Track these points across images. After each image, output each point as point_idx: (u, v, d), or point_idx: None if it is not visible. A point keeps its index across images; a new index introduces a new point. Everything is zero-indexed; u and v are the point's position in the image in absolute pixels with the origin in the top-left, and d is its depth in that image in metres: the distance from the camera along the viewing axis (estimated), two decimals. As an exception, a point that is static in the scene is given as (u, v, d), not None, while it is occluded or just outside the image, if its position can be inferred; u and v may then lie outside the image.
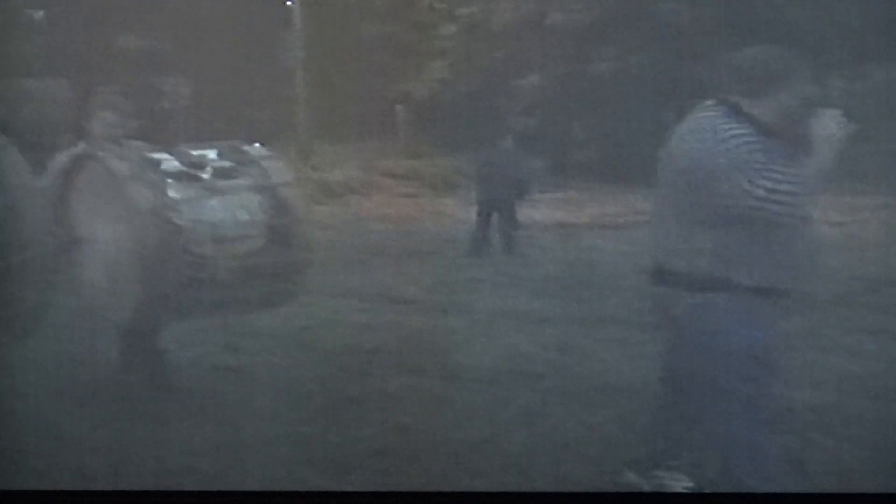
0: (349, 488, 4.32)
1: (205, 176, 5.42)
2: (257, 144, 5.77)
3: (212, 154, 5.57)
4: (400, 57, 17.29)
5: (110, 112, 5.49)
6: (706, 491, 3.91)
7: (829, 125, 3.75)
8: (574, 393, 5.51)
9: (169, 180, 5.31)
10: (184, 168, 5.41)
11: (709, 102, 3.84)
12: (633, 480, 4.12)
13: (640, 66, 14.50)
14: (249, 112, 15.08)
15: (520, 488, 4.31)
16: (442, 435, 4.92)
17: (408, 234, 12.21)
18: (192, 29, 14.26)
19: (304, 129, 16.64)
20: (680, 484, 3.98)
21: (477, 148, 12.56)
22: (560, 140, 15.19)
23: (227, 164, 5.53)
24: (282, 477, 4.44)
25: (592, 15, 15.59)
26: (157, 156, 5.43)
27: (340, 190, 15.81)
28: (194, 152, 5.53)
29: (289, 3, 16.34)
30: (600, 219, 13.04)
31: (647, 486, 4.05)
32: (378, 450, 4.74)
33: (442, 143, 16.36)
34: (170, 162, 5.40)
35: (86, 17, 13.11)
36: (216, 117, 13.64)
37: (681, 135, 3.87)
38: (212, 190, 5.36)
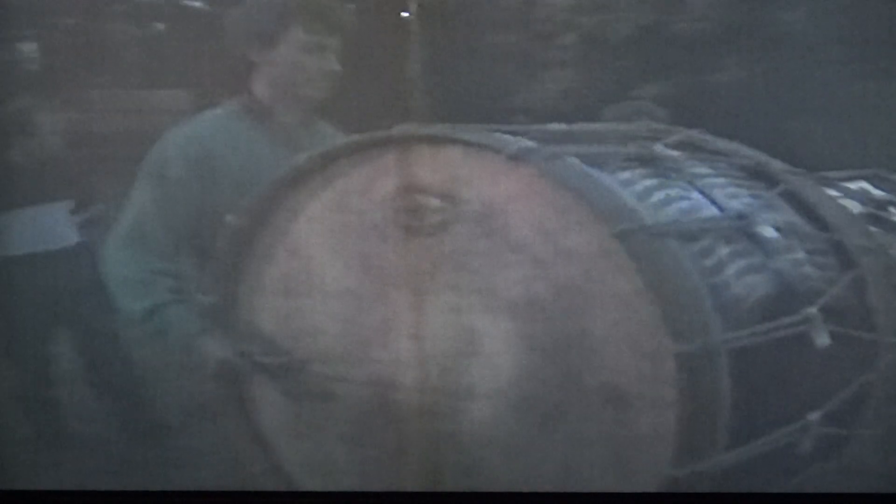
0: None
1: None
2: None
3: (865, 185, 4.06)
4: (519, 67, 17.20)
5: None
6: (706, 491, 3.41)
7: None
8: None
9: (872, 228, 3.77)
10: (871, 210, 3.92)
11: None
12: None
13: (763, 76, 14.18)
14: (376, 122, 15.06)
15: None
16: None
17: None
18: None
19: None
20: None
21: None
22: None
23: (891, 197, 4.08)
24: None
25: (713, 24, 15.29)
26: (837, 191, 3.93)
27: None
28: (850, 185, 4.02)
29: (405, 14, 16.40)
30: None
31: None
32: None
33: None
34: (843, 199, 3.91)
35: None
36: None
37: None
38: None
